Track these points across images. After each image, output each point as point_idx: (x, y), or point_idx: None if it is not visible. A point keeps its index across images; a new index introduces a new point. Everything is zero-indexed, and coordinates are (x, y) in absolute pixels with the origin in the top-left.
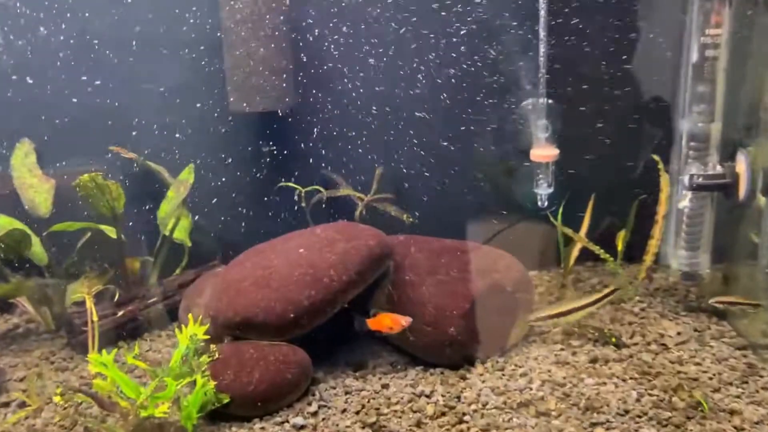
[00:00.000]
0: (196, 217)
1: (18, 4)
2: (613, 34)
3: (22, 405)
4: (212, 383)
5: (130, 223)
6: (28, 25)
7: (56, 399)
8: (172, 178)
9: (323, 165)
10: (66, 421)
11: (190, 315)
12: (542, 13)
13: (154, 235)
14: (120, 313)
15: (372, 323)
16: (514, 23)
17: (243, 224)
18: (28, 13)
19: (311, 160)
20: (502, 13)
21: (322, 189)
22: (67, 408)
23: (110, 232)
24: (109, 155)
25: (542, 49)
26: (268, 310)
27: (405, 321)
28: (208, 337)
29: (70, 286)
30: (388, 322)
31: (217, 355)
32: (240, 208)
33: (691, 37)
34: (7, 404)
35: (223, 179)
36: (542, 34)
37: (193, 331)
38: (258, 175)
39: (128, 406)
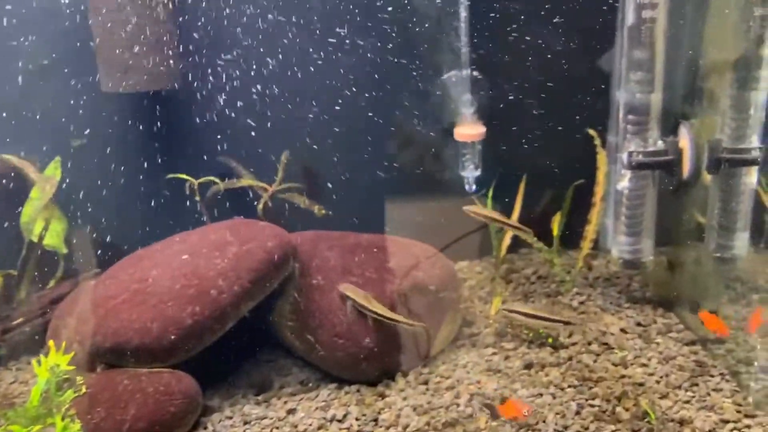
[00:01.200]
0: (73, 220)
1: None
2: None
3: None
4: (77, 425)
5: None
6: None
7: None
8: (39, 174)
9: (220, 152)
10: None
11: (51, 342)
12: None
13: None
14: None
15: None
16: None
17: (128, 224)
18: None
19: (206, 147)
20: None
21: (217, 180)
22: None
23: None
24: None
25: (463, 14)
26: (144, 332)
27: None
28: (72, 368)
29: None
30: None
31: (84, 389)
32: (124, 206)
33: None
34: None
35: (102, 173)
36: None
37: (54, 361)
38: (145, 166)
39: None
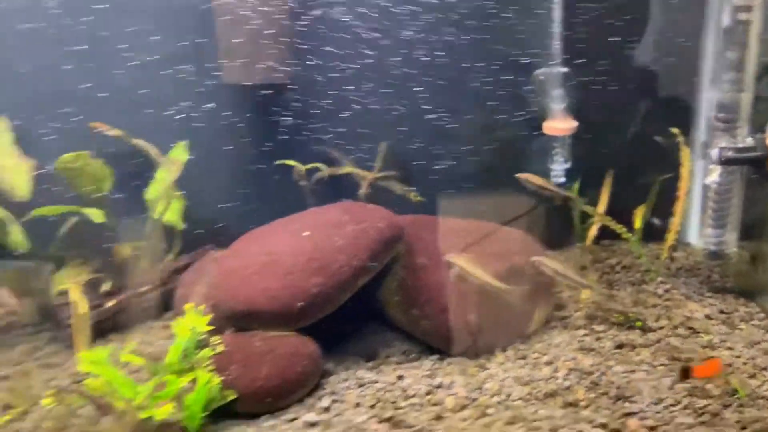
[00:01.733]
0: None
1: None
2: None
3: (7, 407)
4: (217, 379)
5: (118, 207)
6: None
7: (45, 402)
8: (163, 156)
9: (324, 141)
10: (57, 424)
11: (188, 305)
12: None
13: (145, 219)
14: (109, 304)
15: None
16: None
17: (239, 205)
18: None
19: (312, 137)
20: None
21: (322, 166)
22: (57, 410)
23: (96, 216)
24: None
25: (557, 14)
26: (274, 299)
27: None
28: (210, 328)
29: (55, 275)
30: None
31: (220, 349)
32: (236, 188)
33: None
34: None
35: (217, 157)
36: None
37: (193, 322)
38: (255, 152)
39: (125, 407)
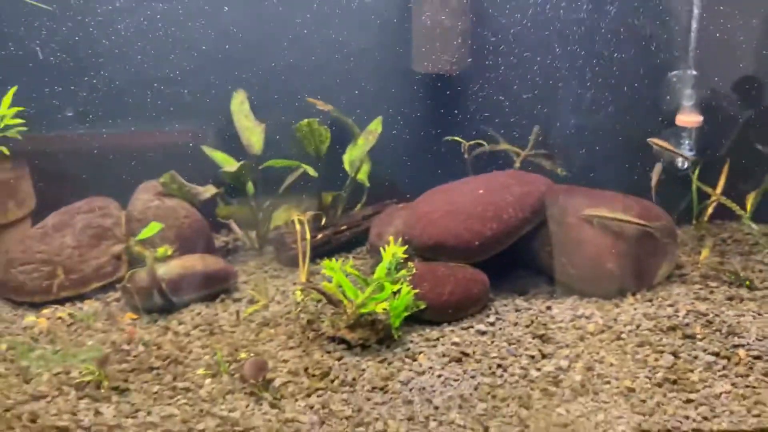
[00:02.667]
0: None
1: None
2: None
3: (251, 302)
4: (412, 292)
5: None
6: None
7: (297, 295)
8: (357, 128)
9: (484, 122)
10: (293, 314)
11: (390, 237)
12: None
13: (338, 175)
14: (318, 236)
15: None
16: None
17: (412, 171)
18: None
19: (475, 118)
20: None
21: (484, 143)
22: (299, 302)
23: (310, 170)
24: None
25: (694, 25)
26: (457, 237)
27: None
28: (406, 256)
29: (275, 213)
30: None
31: (414, 271)
32: (410, 157)
33: None
34: (239, 300)
35: (398, 131)
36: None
37: (394, 250)
38: (430, 128)
39: (349, 305)
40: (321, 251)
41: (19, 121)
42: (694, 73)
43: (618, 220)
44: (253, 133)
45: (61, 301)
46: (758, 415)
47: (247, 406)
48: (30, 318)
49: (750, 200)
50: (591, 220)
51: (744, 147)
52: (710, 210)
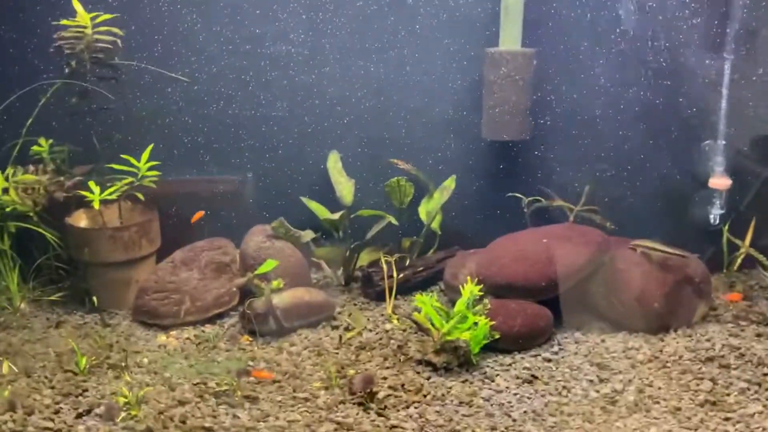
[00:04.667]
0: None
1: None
2: None
3: (346, 329)
4: (490, 322)
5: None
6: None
7: (394, 322)
8: (433, 185)
9: (540, 181)
10: (384, 340)
11: (468, 277)
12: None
13: (413, 224)
14: (400, 275)
15: None
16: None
17: (477, 222)
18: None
19: (532, 178)
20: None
21: (542, 199)
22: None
23: (392, 219)
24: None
25: (724, 100)
26: (525, 278)
27: None
28: (481, 293)
29: (361, 254)
30: None
31: (489, 306)
32: (475, 210)
33: None
34: (337, 327)
35: (467, 188)
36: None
37: (471, 288)
38: (496, 187)
39: (435, 333)
40: (401, 288)
41: (155, 173)
42: (724, 142)
43: (658, 251)
44: (345, 187)
45: (186, 325)
46: None
47: (357, 414)
48: (162, 337)
49: None
50: (636, 248)
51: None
52: (739, 261)
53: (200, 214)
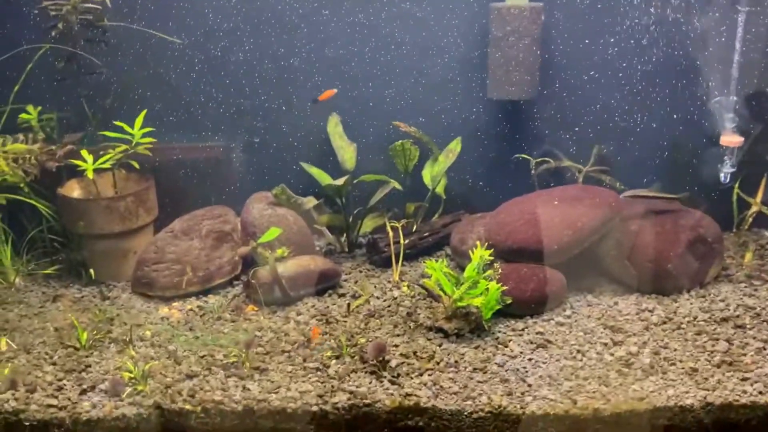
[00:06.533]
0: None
1: None
2: None
3: (353, 296)
4: (501, 288)
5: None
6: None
7: (404, 289)
8: (437, 147)
9: (548, 142)
10: (393, 308)
11: (478, 242)
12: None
13: (417, 188)
14: (406, 241)
15: None
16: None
17: (483, 185)
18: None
19: (540, 138)
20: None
21: (550, 160)
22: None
23: (397, 184)
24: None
25: (736, 59)
26: (537, 242)
27: None
28: (492, 258)
29: (364, 220)
30: None
31: (500, 271)
32: (482, 173)
33: None
34: (343, 295)
35: (472, 149)
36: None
37: (481, 252)
38: (501, 147)
39: (446, 299)
40: (407, 255)
41: (149, 139)
42: (735, 98)
43: (651, 197)
44: (346, 152)
45: (188, 296)
46: None
47: (371, 383)
48: (164, 309)
49: None
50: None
51: None
52: (749, 219)
53: (331, 92)
